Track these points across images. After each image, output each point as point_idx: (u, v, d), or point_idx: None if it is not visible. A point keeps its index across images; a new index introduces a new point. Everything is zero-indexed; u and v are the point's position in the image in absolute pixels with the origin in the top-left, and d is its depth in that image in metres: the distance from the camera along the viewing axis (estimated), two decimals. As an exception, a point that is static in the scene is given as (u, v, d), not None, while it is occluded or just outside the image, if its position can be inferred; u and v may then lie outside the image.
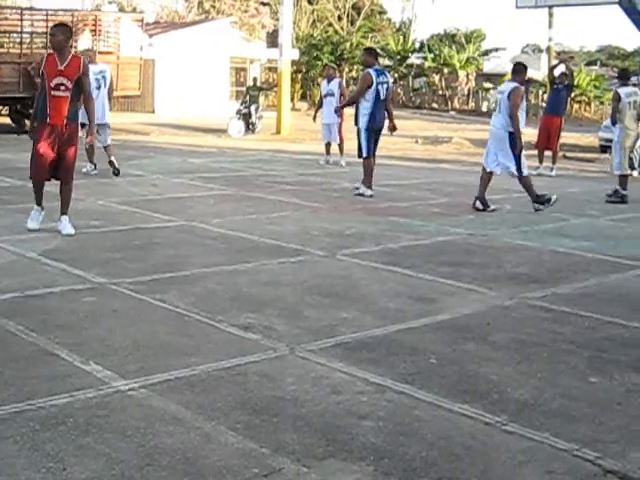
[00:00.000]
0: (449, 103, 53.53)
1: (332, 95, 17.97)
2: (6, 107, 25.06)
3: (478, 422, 4.38)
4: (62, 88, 8.94)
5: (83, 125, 14.86)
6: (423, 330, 6.00)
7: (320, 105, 18.69)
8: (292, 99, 37.26)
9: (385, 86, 12.97)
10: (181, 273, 7.44)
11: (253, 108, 26.35)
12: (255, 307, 6.41)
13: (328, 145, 18.21)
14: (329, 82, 18.27)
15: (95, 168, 14.67)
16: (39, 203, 9.32)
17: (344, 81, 24.42)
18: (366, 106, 12.82)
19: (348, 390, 4.76)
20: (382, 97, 12.86)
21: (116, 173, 14.43)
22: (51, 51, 9.26)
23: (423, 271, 7.85)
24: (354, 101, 13.23)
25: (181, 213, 10.65)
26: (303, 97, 49.49)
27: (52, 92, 8.93)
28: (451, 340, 5.78)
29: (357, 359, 5.30)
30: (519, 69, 12.24)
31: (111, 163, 14.57)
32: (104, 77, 14.92)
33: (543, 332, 6.06)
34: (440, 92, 54.96)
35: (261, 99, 28.39)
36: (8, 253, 8.02)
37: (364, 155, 13.05)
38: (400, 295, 6.98)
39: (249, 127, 26.23)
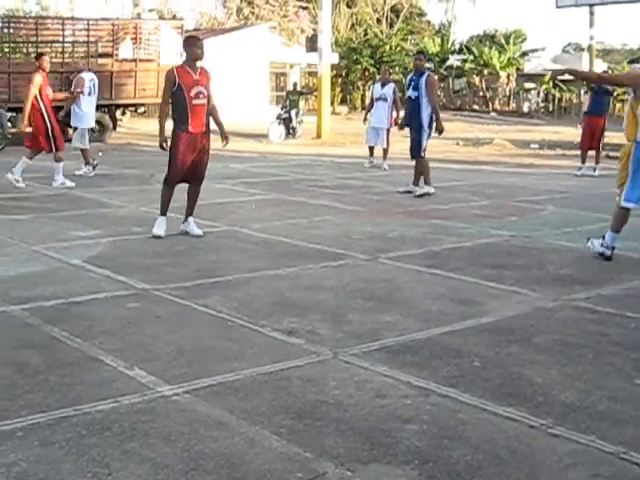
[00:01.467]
0: (490, 104, 53.29)
1: (384, 100, 17.82)
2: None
3: (523, 425, 4.35)
4: (201, 96, 9.29)
5: (74, 127, 15.57)
6: (466, 333, 5.97)
7: (370, 108, 18.54)
8: (332, 103, 37.30)
9: None
10: (224, 278, 7.47)
11: (293, 113, 26.40)
12: (298, 311, 6.42)
13: (372, 148, 18.18)
14: (383, 86, 18.11)
15: (94, 168, 15.57)
16: (164, 213, 9.55)
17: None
18: (428, 106, 13.16)
19: (392, 394, 4.75)
20: None
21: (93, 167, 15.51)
22: (180, 64, 9.59)
23: (466, 274, 7.81)
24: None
25: (223, 218, 10.70)
26: (343, 101, 49.57)
27: (193, 101, 9.24)
28: (495, 343, 5.74)
29: (400, 363, 5.28)
30: None
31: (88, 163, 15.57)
32: (94, 85, 15.71)
33: (588, 334, 6.00)
34: (481, 93, 54.73)
35: (301, 103, 28.43)
36: (53, 260, 8.11)
37: (423, 154, 13.23)
38: (443, 298, 6.95)
39: (290, 132, 26.29)
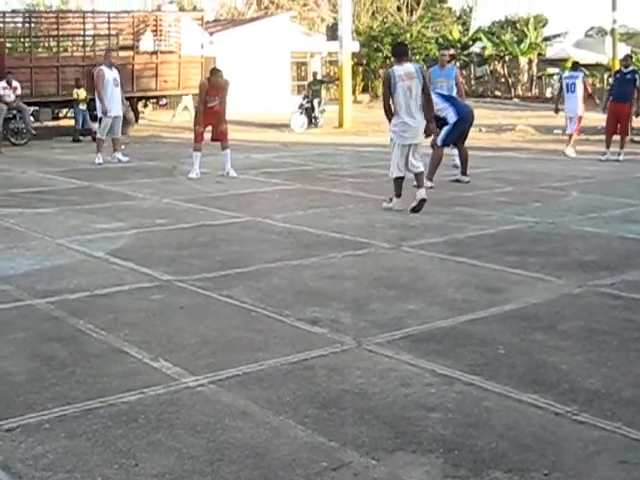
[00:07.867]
0: (512, 90, 52.98)
1: (573, 91, 17.96)
2: (71, 109, 25.42)
3: (548, 412, 4.33)
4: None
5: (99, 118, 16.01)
6: (491, 320, 5.96)
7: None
8: (354, 92, 37.18)
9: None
10: (247, 269, 7.49)
11: (315, 102, 26.38)
12: (321, 301, 6.42)
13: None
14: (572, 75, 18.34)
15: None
16: None
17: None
18: None
19: (416, 382, 4.74)
20: None
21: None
22: None
23: (490, 261, 7.79)
24: None
25: (246, 209, 10.71)
26: (364, 89, 49.37)
27: None
28: (519, 330, 5.72)
29: (425, 351, 5.27)
30: None
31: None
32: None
33: (613, 320, 5.97)
34: (503, 80, 54.41)
35: (323, 92, 28.37)
36: (77, 253, 8.15)
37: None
38: (467, 285, 6.93)
39: (312, 121, 26.27)
